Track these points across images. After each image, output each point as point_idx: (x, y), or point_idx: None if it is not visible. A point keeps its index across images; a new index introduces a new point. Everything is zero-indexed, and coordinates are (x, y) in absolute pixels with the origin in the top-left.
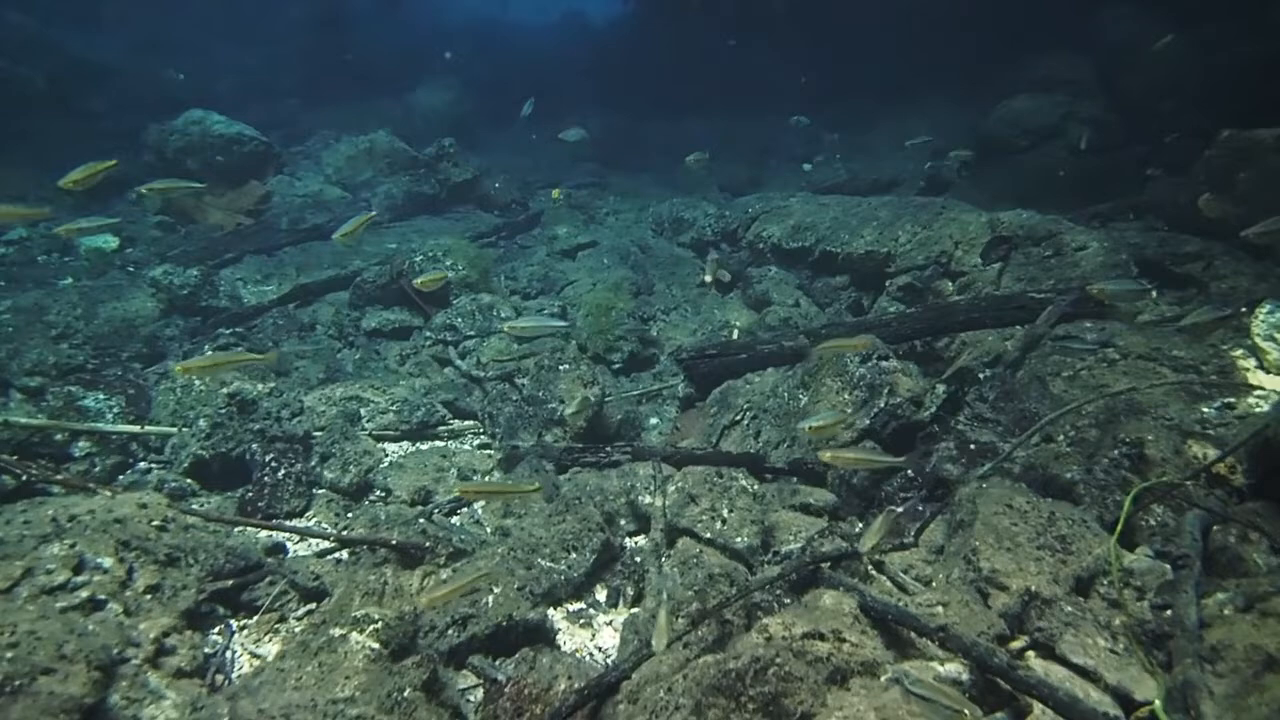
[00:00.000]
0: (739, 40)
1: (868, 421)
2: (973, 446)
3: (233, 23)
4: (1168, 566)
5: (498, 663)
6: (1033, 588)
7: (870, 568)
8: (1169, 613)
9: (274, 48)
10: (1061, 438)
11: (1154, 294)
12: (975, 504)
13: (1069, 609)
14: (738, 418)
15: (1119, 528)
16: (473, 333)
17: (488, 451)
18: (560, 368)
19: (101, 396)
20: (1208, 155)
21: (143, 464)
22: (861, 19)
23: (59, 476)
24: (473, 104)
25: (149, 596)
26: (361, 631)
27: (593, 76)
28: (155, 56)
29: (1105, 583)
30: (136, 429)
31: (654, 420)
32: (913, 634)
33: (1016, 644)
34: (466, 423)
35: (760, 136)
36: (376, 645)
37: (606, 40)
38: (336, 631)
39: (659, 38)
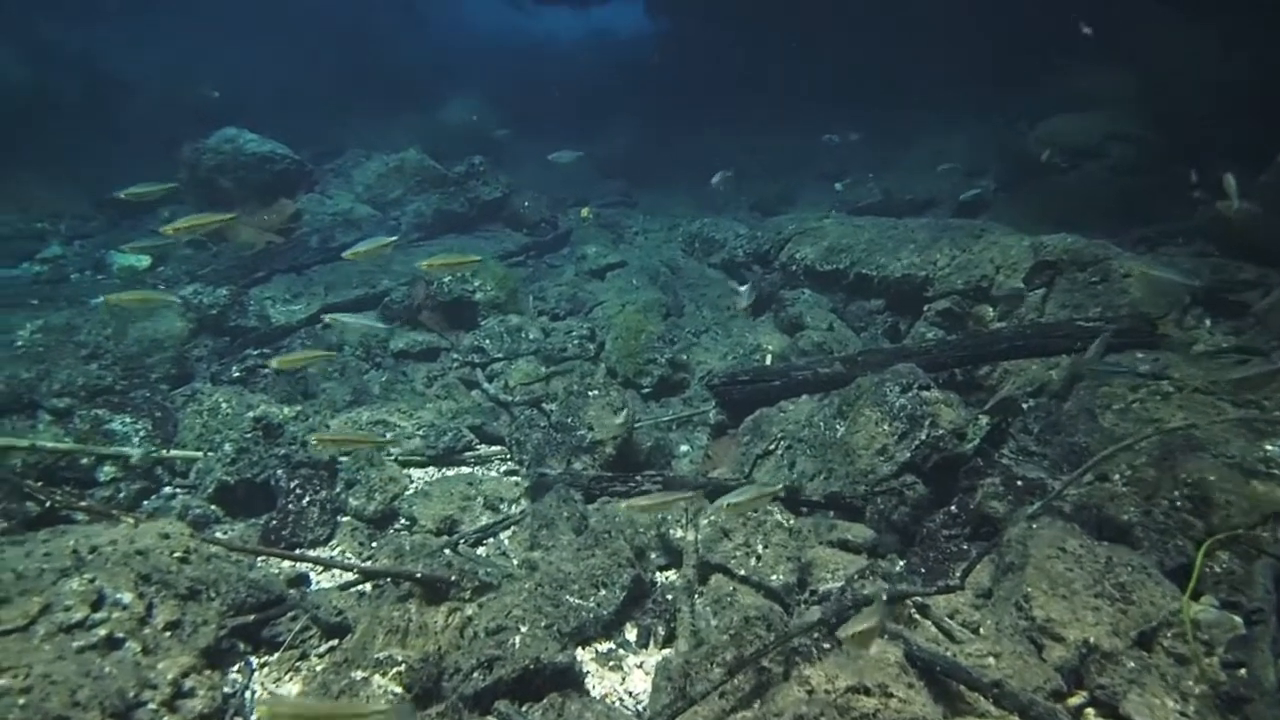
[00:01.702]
0: (767, 52)
1: (909, 455)
2: (1019, 483)
3: (265, 40)
4: (1238, 619)
5: (524, 709)
6: (1091, 639)
7: (914, 611)
8: (1242, 671)
9: (305, 65)
10: (1117, 476)
11: (1208, 323)
12: (1026, 546)
13: (1132, 665)
14: (771, 447)
15: (1191, 584)
16: (500, 355)
17: (514, 478)
18: (590, 394)
19: (128, 419)
20: (1263, 180)
21: (168, 489)
22: (897, 34)
23: (83, 504)
24: (502, 120)
25: (168, 634)
26: (384, 674)
27: (621, 94)
28: (190, 73)
29: (1169, 636)
30: (162, 453)
31: (685, 448)
32: (962, 687)
33: (1074, 700)
34: (494, 448)
35: (790, 153)
36: (399, 689)
37: (635, 57)
38: (358, 674)
39: (688, 54)
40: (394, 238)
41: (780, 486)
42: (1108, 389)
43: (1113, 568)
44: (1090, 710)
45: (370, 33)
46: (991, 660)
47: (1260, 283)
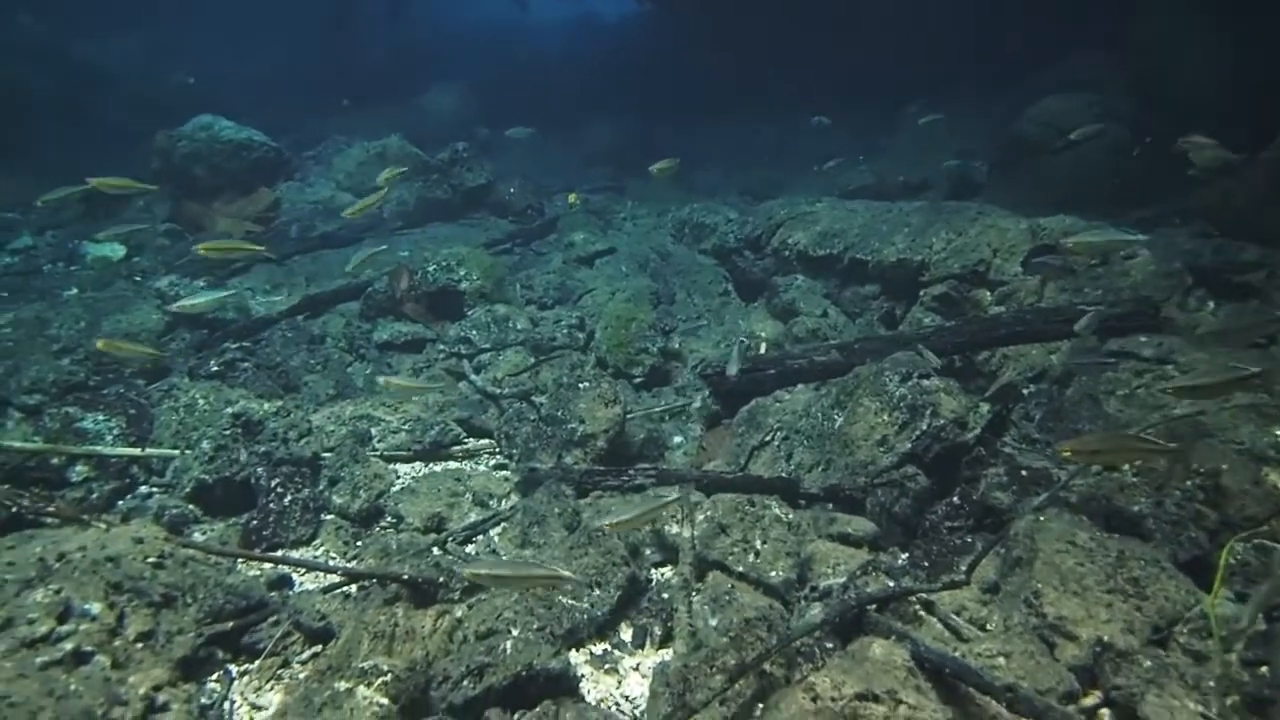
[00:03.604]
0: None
1: (909, 445)
2: (1024, 472)
3: (243, 27)
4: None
5: (517, 717)
6: (1105, 638)
7: (919, 608)
8: (1264, 670)
9: (285, 52)
10: (1126, 466)
11: (1211, 305)
12: (1034, 539)
13: (1149, 664)
14: (768, 438)
15: (1217, 585)
16: (488, 346)
17: (504, 473)
18: (580, 385)
19: (101, 417)
20: (1264, 156)
21: (143, 488)
22: (884, 17)
23: (51, 507)
24: (486, 107)
25: (140, 645)
26: (369, 685)
27: (607, 78)
28: (165, 61)
29: (1186, 633)
30: (137, 452)
31: (678, 439)
32: (972, 690)
33: (1088, 700)
34: (482, 442)
35: (778, 138)
36: (385, 701)
37: (620, 41)
38: (342, 685)
39: (673, 38)
40: (383, 190)
41: (674, 497)
42: (1112, 374)
43: (1125, 562)
44: (1105, 711)
45: (353, 18)
46: (1002, 660)
47: (1263, 263)
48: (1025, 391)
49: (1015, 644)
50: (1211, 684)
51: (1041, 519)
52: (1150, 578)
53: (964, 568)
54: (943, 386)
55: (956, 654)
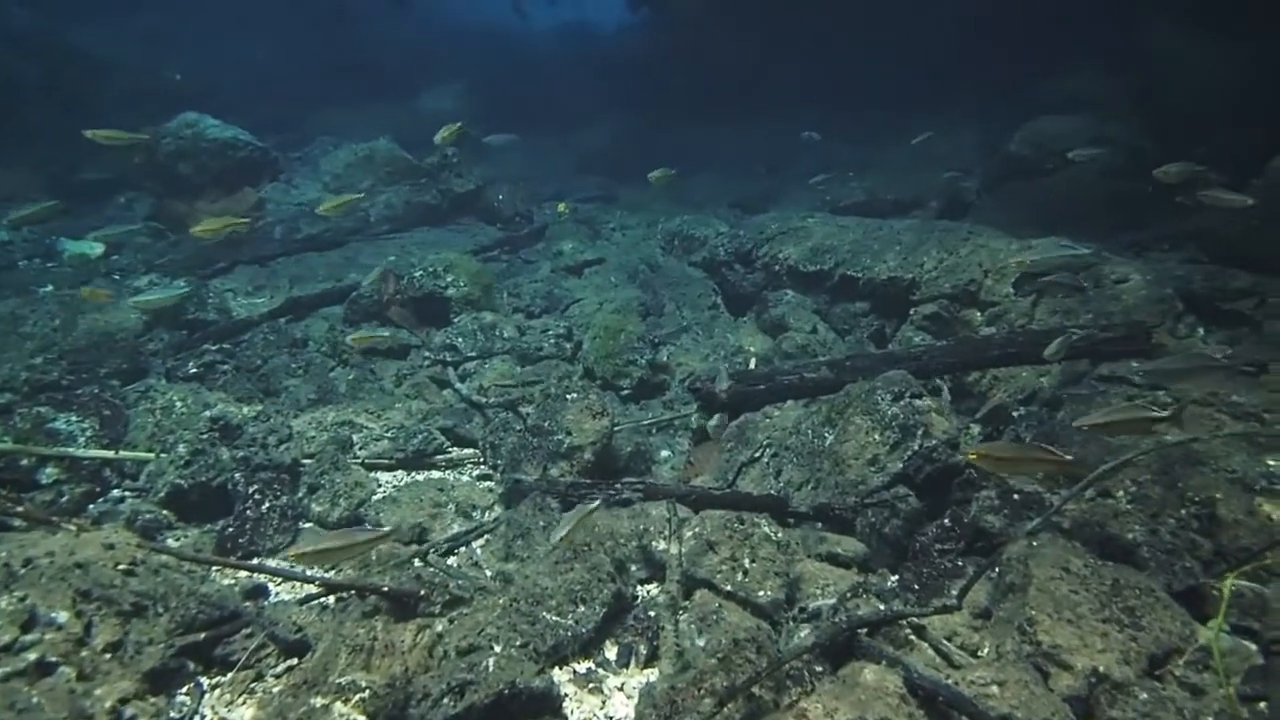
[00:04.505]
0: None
1: (901, 465)
2: (1016, 496)
3: (237, 20)
4: (1254, 647)
5: None
6: (1100, 668)
7: (910, 632)
8: (1262, 706)
9: (278, 48)
10: (1121, 493)
11: (1201, 332)
12: (1027, 565)
13: (1144, 696)
14: (757, 454)
15: (1220, 620)
16: (474, 354)
17: (488, 484)
18: (568, 396)
19: (74, 418)
20: (1256, 184)
21: (116, 492)
22: (877, 32)
23: (20, 509)
24: (479, 111)
25: (108, 656)
26: (346, 702)
27: (601, 87)
28: (157, 53)
29: (1182, 665)
30: (110, 454)
31: (665, 453)
32: (965, 719)
33: None
34: (466, 451)
35: (770, 151)
36: (363, 718)
37: (614, 51)
38: (318, 701)
39: (668, 48)
40: (360, 194)
41: (596, 506)
42: (1102, 400)
43: (1120, 590)
44: None
45: (347, 18)
46: (995, 689)
47: (1253, 291)
48: (1016, 414)
49: (1009, 672)
50: (1211, 719)
51: (1035, 544)
52: (1145, 607)
53: (955, 592)
54: (935, 406)
55: (949, 681)
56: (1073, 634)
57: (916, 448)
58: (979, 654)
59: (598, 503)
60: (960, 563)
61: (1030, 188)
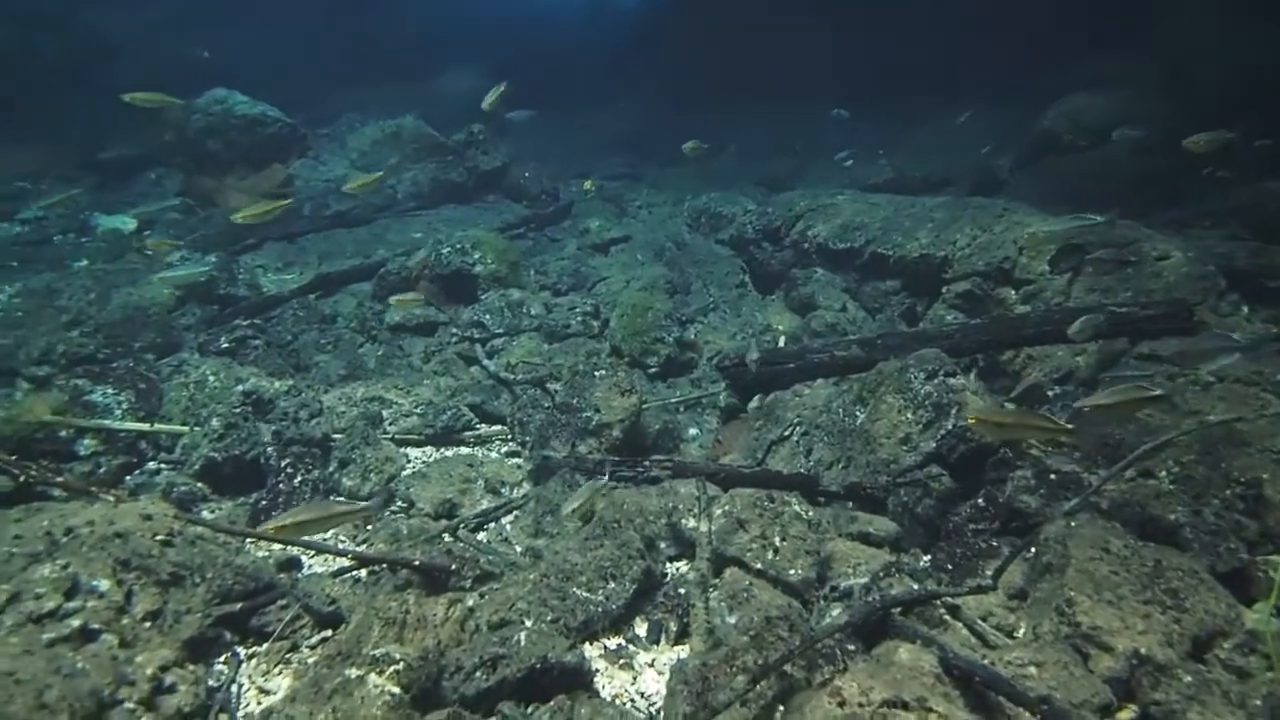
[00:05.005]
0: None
1: (934, 445)
2: (1053, 476)
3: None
4: None
5: (530, 710)
6: (1142, 650)
7: (944, 612)
8: None
9: (300, 27)
10: (1163, 473)
11: (1245, 310)
12: (1065, 545)
13: (1189, 679)
14: (786, 433)
15: (1270, 604)
16: (501, 331)
17: (516, 460)
18: (596, 373)
19: (110, 391)
20: None
21: (151, 464)
22: (907, 12)
23: (60, 479)
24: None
25: (148, 624)
26: (380, 673)
27: (625, 65)
28: (178, 31)
29: (1227, 647)
30: (145, 427)
31: (693, 431)
32: (1002, 699)
33: (1123, 715)
34: (494, 428)
35: (796, 130)
36: (397, 690)
37: (639, 26)
38: (353, 672)
39: (691, 28)
40: (380, 173)
41: (604, 483)
42: (1143, 377)
43: (1162, 571)
44: None
45: None
46: (1033, 670)
47: None
48: (1051, 393)
49: (1047, 653)
50: (1258, 702)
51: (1073, 524)
52: (1189, 589)
53: (990, 572)
54: (970, 386)
55: (987, 662)
56: (1113, 615)
57: (950, 427)
58: (1015, 635)
59: (605, 479)
60: (995, 543)
61: (1064, 164)
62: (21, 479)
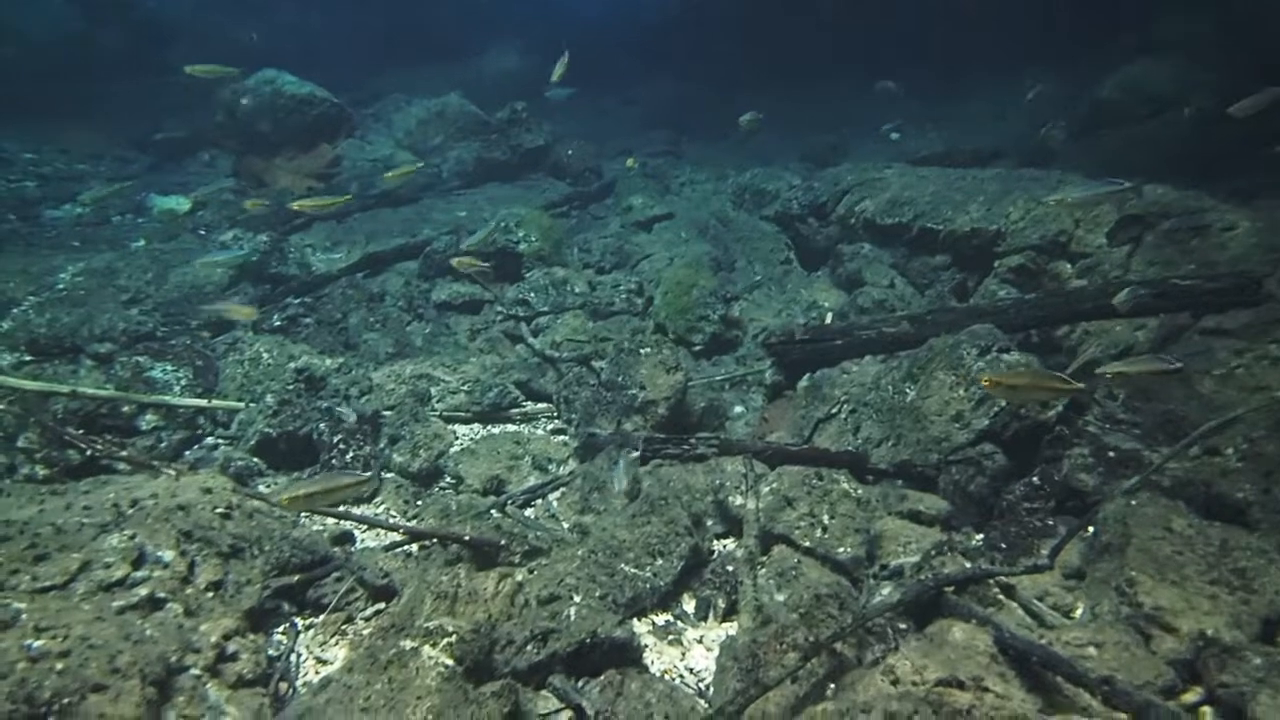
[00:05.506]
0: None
1: (987, 422)
2: (1111, 454)
3: None
4: None
5: (580, 684)
6: (1208, 631)
7: (999, 592)
8: None
9: (345, 7)
10: (1230, 450)
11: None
12: (1126, 524)
13: (1258, 661)
14: (834, 410)
15: None
16: (546, 309)
17: (562, 438)
18: (641, 351)
19: (169, 367)
20: None
21: (209, 439)
22: None
23: (124, 453)
24: (544, 67)
25: (211, 594)
26: (434, 645)
27: (666, 42)
28: (231, 14)
29: None
30: (203, 403)
31: (739, 409)
32: (1060, 679)
33: (1188, 697)
34: (540, 405)
35: (842, 104)
36: (450, 662)
37: (679, 2)
38: (408, 644)
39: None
40: (420, 163)
41: (636, 455)
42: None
43: (1229, 551)
44: (1207, 709)
45: None
46: (1093, 650)
47: None
48: None
49: (1107, 634)
50: None
51: (1133, 503)
52: (1258, 569)
53: (1046, 551)
54: (1024, 361)
55: (1044, 643)
56: (1177, 595)
57: (1004, 403)
58: (1072, 615)
59: (636, 453)
60: (1050, 521)
61: (1121, 135)
62: (88, 453)
